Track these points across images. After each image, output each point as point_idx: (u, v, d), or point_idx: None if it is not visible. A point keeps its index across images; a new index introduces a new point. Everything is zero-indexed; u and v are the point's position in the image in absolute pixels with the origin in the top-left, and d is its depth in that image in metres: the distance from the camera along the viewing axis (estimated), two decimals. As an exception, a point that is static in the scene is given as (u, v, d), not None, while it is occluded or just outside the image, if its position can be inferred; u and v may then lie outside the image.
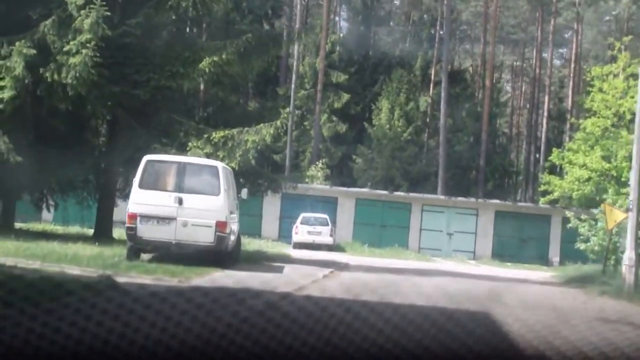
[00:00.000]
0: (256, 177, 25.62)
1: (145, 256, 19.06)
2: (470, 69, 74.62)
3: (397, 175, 56.17)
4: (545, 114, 63.92)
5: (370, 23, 66.80)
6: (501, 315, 12.18)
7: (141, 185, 18.27)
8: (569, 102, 68.00)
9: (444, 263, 39.17)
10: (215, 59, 22.60)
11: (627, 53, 53.24)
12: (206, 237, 18.05)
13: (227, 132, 22.54)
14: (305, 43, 59.51)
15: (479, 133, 59.81)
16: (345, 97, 58.29)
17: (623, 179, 48.57)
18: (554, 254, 44.97)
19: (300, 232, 40.77)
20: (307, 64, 59.28)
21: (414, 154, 57.94)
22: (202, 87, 31.54)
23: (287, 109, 24.39)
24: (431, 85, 63.15)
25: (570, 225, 29.15)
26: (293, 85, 54.21)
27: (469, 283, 20.78)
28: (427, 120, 61.41)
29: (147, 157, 18.63)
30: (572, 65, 66.97)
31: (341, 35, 68.32)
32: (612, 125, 51.13)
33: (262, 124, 22.65)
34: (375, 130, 57.29)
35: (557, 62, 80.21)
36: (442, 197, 47.49)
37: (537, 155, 66.25)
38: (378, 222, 44.90)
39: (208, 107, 26.64)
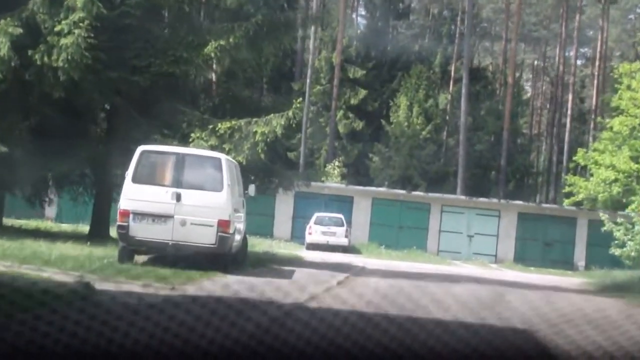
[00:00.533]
0: (266, 174, 23.62)
1: (140, 258, 17.16)
2: (491, 66, 72.60)
3: (415, 174, 54.15)
4: (569, 112, 61.70)
5: (389, 17, 64.73)
6: (547, 332, 10.28)
7: (134, 179, 16.30)
8: (592, 102, 65.83)
9: (464, 267, 37.40)
10: (222, 43, 20.66)
11: (657, 49, 51.25)
12: (207, 238, 16.09)
13: (233, 122, 20.56)
14: (322, 36, 57.69)
15: (500, 132, 57.72)
16: (362, 93, 56.36)
17: (652, 180, 46.51)
18: (580, 258, 42.96)
19: (314, 232, 39.02)
20: (323, 58, 57.32)
21: (432, 153, 55.90)
22: (214, 79, 29.76)
23: (300, 99, 22.15)
24: (451, 82, 61.15)
25: (604, 228, 27.00)
26: (308, 80, 52.32)
27: (500, 291, 18.73)
28: (447, 118, 59.35)
29: (141, 148, 16.66)
30: (597, 63, 64.75)
31: (359, 30, 66.42)
32: (640, 125, 49.04)
33: (272, 114, 20.65)
34: (392, 127, 55.31)
35: (578, 62, 77.80)
36: (463, 197, 45.44)
37: (560, 156, 63.96)
38: (395, 222, 42.96)
39: (215, 96, 24.56)
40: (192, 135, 19.87)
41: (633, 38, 77.28)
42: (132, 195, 16.20)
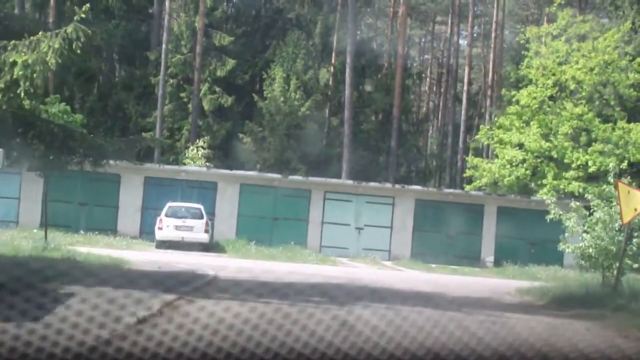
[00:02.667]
0: (53, 136, 15.15)
1: None
2: (375, 41, 65.55)
3: (293, 157, 46.50)
4: (465, 88, 54.98)
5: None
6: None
7: None
8: (483, 81, 59.37)
9: (353, 266, 31.18)
10: None
11: (568, 10, 44.80)
12: None
13: (-25, 47, 12.12)
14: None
15: (389, 109, 50.65)
16: (231, 63, 48.10)
17: (566, 161, 40.01)
18: (487, 252, 36.39)
19: (166, 227, 31.38)
20: (184, 22, 48.71)
21: (313, 133, 48.21)
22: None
23: (86, 7, 13.49)
24: (333, 54, 53.56)
25: (550, 217, 19.50)
26: (164, 46, 43.82)
27: (429, 318, 10.96)
28: (329, 93, 51.70)
29: None
30: (494, 35, 58.26)
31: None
32: (551, 98, 42.70)
33: (40, 34, 12.26)
34: (266, 103, 47.46)
35: (463, 42, 71.16)
36: (350, 182, 37.97)
37: (455, 138, 57.26)
38: (269, 213, 35.44)
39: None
40: None
41: (526, 11, 71.59)
42: None
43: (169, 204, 32.20)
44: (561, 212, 18.89)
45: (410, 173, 52.04)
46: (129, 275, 15.71)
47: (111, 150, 16.91)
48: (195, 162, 40.09)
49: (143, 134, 46.38)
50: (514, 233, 36.01)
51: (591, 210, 18.50)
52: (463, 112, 53.99)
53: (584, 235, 18.49)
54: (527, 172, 40.99)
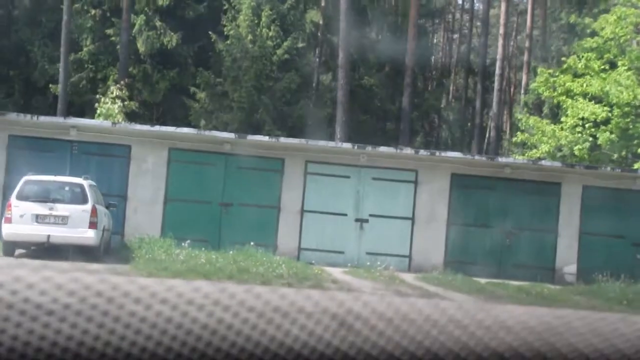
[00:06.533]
0: None
1: None
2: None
3: (266, 119, 32.91)
4: (501, 31, 40.96)
5: None
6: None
7: None
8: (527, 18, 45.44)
9: (352, 288, 16.75)
10: None
11: None
12: None
13: None
14: None
15: (400, 59, 36.97)
16: (177, -13, 34.33)
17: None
18: (567, 259, 23.49)
19: (18, 217, 17.73)
20: None
21: (295, 87, 34.49)
22: None
23: None
24: (323, -14, 39.89)
25: None
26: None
27: None
28: (318, 34, 37.84)
29: None
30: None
31: None
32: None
33: None
34: (228, 44, 33.82)
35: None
36: (347, 145, 23.99)
37: (486, 96, 43.31)
38: (216, 197, 22.17)
39: None
40: None
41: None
42: None
43: (26, 177, 18.36)
44: None
45: (428, 143, 38.44)
46: None
47: None
48: (110, 117, 26.21)
49: (51, 85, 32.78)
50: (608, 228, 22.70)
51: None
52: (498, 64, 40.04)
53: None
54: (613, 136, 27.68)
